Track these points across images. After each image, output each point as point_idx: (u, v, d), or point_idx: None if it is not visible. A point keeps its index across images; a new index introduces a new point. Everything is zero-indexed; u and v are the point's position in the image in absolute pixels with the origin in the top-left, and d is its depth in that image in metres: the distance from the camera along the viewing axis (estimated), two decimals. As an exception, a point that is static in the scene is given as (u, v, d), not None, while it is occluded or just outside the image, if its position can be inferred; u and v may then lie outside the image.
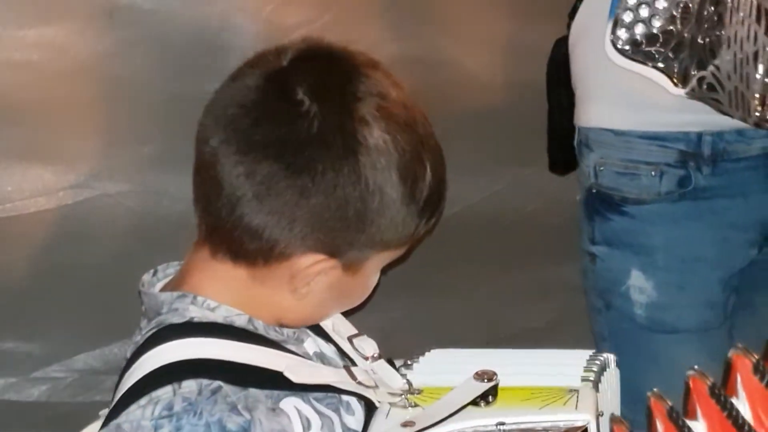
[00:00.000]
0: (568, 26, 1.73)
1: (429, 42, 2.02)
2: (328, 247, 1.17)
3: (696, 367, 0.87)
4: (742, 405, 0.83)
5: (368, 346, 1.30)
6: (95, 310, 1.82)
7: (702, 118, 1.61)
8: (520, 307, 2.15)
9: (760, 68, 1.49)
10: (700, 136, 1.65)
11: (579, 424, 1.09)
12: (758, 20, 1.48)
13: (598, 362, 1.22)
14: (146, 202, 1.82)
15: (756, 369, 0.83)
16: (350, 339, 1.31)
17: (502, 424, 1.08)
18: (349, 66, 1.20)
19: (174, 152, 1.76)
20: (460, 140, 1.93)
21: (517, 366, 1.17)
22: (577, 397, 1.13)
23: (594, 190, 1.73)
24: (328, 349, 1.30)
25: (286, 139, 1.14)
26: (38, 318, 1.81)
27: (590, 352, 1.27)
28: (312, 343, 1.27)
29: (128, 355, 1.19)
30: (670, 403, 0.88)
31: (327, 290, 1.22)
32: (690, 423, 0.84)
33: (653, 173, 1.66)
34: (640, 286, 1.70)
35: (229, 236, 1.18)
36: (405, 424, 1.09)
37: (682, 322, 1.71)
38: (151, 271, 1.28)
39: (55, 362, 1.83)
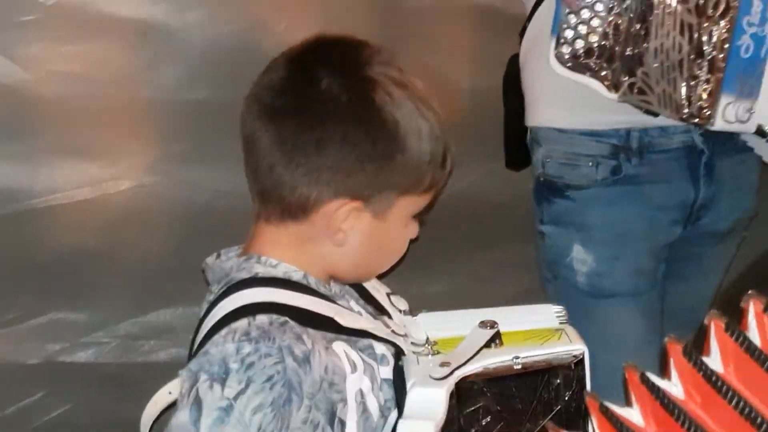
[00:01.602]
0: (520, 44, 1.77)
1: (414, 53, 2.02)
2: (351, 190, 1.19)
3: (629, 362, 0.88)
4: (674, 387, 0.85)
5: (401, 302, 1.34)
6: (134, 284, 1.87)
7: (631, 118, 1.64)
8: (497, 281, 2.18)
9: (685, 73, 1.49)
10: (628, 132, 1.68)
11: (576, 352, 1.19)
12: (682, 33, 1.49)
13: (561, 310, 1.31)
14: (176, 191, 1.85)
15: (685, 352, 0.85)
16: (388, 295, 1.35)
17: (517, 357, 1.16)
18: (357, 43, 1.25)
19: (200, 149, 1.82)
20: None
21: (503, 319, 1.24)
22: (566, 333, 1.23)
23: (542, 179, 1.76)
24: (365, 312, 1.31)
25: (301, 102, 1.19)
26: (85, 291, 1.84)
27: (555, 307, 1.34)
28: (354, 304, 1.30)
29: (201, 313, 1.22)
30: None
31: (363, 237, 1.23)
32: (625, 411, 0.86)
33: (590, 163, 1.70)
34: (581, 258, 1.73)
35: (274, 198, 1.22)
36: (443, 364, 1.14)
37: (618, 287, 1.74)
38: (214, 254, 1.29)
39: (101, 329, 1.86)
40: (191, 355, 1.18)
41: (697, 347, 0.87)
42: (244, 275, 1.22)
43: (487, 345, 1.18)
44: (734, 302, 0.97)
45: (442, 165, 1.25)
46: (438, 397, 1.12)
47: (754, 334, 0.86)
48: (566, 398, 1.17)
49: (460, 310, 1.34)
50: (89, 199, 1.80)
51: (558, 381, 1.17)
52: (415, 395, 1.14)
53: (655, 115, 1.61)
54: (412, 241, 1.32)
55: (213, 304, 1.19)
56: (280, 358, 1.11)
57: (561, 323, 1.27)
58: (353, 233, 1.23)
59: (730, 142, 1.68)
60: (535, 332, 1.24)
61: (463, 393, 1.13)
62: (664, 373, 0.87)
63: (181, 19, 1.78)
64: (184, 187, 1.85)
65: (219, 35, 1.81)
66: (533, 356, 1.18)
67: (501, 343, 1.20)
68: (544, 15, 1.68)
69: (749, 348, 0.83)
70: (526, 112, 1.78)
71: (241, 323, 1.13)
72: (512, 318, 1.26)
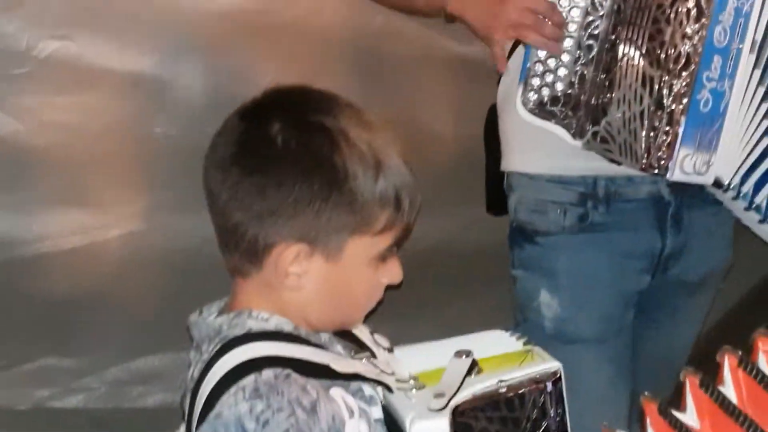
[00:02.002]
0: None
1: (399, 103, 2.10)
2: (294, 233, 1.19)
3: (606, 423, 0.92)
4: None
5: (384, 340, 1.33)
6: (123, 330, 1.88)
7: (597, 165, 1.65)
8: (479, 325, 2.00)
9: (646, 124, 1.50)
10: (595, 180, 1.69)
11: (554, 369, 1.22)
12: (644, 85, 1.50)
13: (518, 334, 1.33)
14: (164, 239, 1.87)
15: (660, 410, 0.88)
16: (371, 333, 1.33)
17: (502, 381, 1.18)
18: (310, 91, 1.27)
19: (188, 198, 1.77)
20: (427, 187, 2.01)
21: (471, 347, 1.24)
22: (536, 353, 1.26)
23: (514, 224, 1.77)
24: (352, 354, 1.30)
25: (248, 149, 1.21)
26: (74, 337, 1.85)
27: (505, 330, 1.35)
28: (341, 348, 1.28)
29: (195, 374, 1.21)
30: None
31: (320, 281, 1.23)
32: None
33: (558, 210, 1.70)
34: (548, 303, 1.73)
35: (232, 246, 1.23)
36: (437, 396, 1.15)
37: (583, 333, 1.73)
38: (197, 311, 1.29)
39: (90, 375, 1.87)
40: (190, 415, 1.18)
41: (673, 402, 0.88)
42: (238, 331, 1.21)
43: (468, 373, 1.20)
44: (710, 355, 1.01)
45: (397, 206, 1.23)
46: (443, 426, 1.14)
47: (729, 389, 0.88)
48: (552, 414, 1.20)
49: (426, 343, 1.33)
50: (79, 246, 1.82)
51: (543, 398, 1.20)
52: (419, 428, 1.15)
53: (618, 163, 1.62)
54: (394, 287, 1.31)
55: (210, 363, 1.19)
56: (291, 411, 1.11)
57: (525, 344, 1.29)
58: (308, 278, 1.23)
59: (699, 194, 1.69)
60: (508, 356, 1.26)
61: (457, 421, 1.15)
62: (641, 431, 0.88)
63: (172, 71, 1.82)
64: (173, 235, 1.88)
65: (207, 86, 1.85)
66: (516, 378, 1.20)
67: (481, 370, 1.21)
68: (516, 65, 1.70)
69: (724, 404, 0.86)
70: (502, 158, 1.80)
71: (248, 380, 1.13)
72: (478, 345, 1.27)
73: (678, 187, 1.67)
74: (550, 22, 1.58)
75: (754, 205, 1.56)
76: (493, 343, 1.29)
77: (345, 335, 1.33)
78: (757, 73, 1.49)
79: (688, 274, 1.79)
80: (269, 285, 1.24)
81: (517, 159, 1.75)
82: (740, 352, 0.96)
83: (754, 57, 1.48)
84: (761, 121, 1.52)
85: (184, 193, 1.83)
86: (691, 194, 1.69)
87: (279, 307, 1.24)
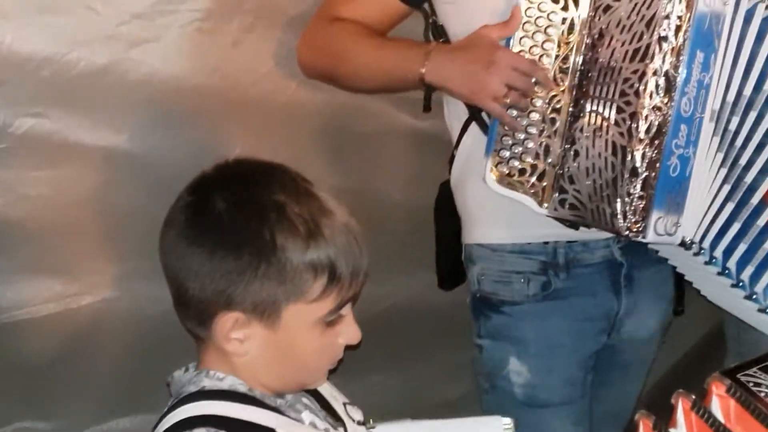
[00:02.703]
0: (449, 171, 1.82)
1: (359, 174, 2.16)
2: (229, 301, 1.23)
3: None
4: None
5: (356, 413, 1.37)
6: (96, 393, 1.88)
7: (557, 231, 1.70)
8: (438, 386, 2.23)
9: (620, 191, 1.53)
10: (555, 249, 1.73)
11: None
12: (614, 154, 1.53)
13: (511, 425, 1.39)
14: (136, 305, 1.88)
15: None
16: (345, 405, 1.37)
17: None
18: (257, 165, 1.32)
19: (157, 266, 1.68)
20: (389, 252, 2.10)
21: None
22: None
23: (478, 295, 1.80)
24: (322, 424, 1.32)
25: (191, 221, 1.26)
26: (49, 401, 1.85)
27: (504, 419, 1.41)
28: (308, 415, 1.31)
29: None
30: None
31: (263, 347, 1.25)
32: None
33: (522, 280, 1.75)
34: (517, 370, 1.76)
35: (186, 314, 1.28)
36: None
37: (552, 397, 1.78)
38: (183, 368, 1.33)
39: None
40: None
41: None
42: (192, 389, 1.26)
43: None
44: (658, 403, 1.06)
45: (332, 275, 1.25)
46: None
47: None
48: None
49: (415, 422, 1.37)
50: (53, 313, 1.82)
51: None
52: None
53: (576, 227, 1.66)
54: (354, 346, 1.34)
55: (161, 419, 1.23)
56: None
57: None
58: (251, 343, 1.26)
59: (645, 254, 1.74)
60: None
61: None
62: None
63: (142, 145, 1.85)
64: (144, 302, 1.88)
65: (177, 160, 1.86)
66: None
67: None
68: (471, 141, 1.75)
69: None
70: (462, 231, 1.82)
71: None
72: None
73: (628, 249, 1.75)
74: (532, 89, 1.59)
75: (726, 271, 1.60)
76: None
77: (321, 404, 1.36)
78: (716, 140, 1.56)
79: (639, 331, 1.84)
80: (219, 349, 1.28)
81: (479, 232, 1.79)
82: (693, 396, 0.99)
83: (713, 125, 1.55)
84: (721, 185, 1.57)
85: (154, 261, 1.75)
86: (639, 254, 1.75)
87: (232, 369, 1.28)
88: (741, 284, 1.58)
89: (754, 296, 1.59)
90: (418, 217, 2.10)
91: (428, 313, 2.20)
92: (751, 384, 1.04)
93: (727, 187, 1.57)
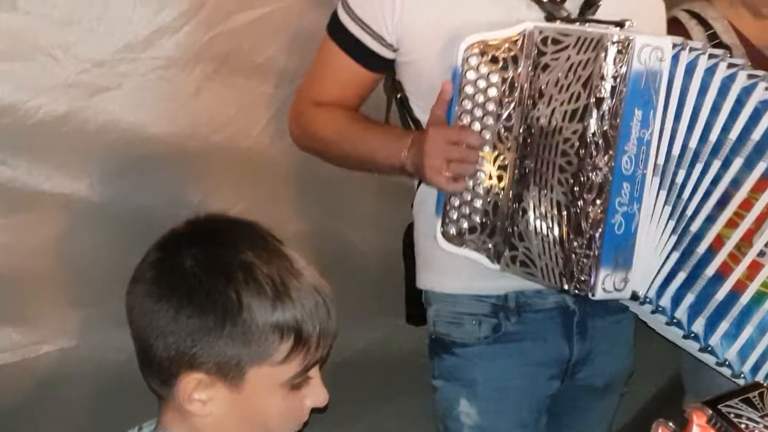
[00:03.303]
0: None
1: (327, 220, 2.16)
2: (193, 362, 1.21)
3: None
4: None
5: None
6: None
7: (512, 283, 1.72)
8: (406, 428, 2.22)
9: (566, 249, 1.54)
10: (506, 294, 1.74)
11: None
12: (560, 213, 1.54)
13: None
14: (94, 354, 1.86)
15: None
16: None
17: None
18: (226, 223, 1.30)
19: (116, 315, 1.67)
20: (350, 298, 1.98)
21: None
22: None
23: (433, 336, 1.81)
24: None
25: (159, 278, 1.24)
26: None
27: None
28: None
29: None
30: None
31: (226, 409, 1.23)
32: None
33: (474, 322, 1.76)
34: (467, 412, 1.77)
35: (149, 371, 1.26)
36: None
37: None
38: (136, 427, 1.31)
39: None
40: None
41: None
42: None
43: None
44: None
45: (299, 337, 1.23)
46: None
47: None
48: None
49: None
50: (10, 363, 1.80)
51: None
52: None
53: (524, 277, 1.66)
54: (320, 410, 1.32)
55: None
56: None
57: None
58: (214, 404, 1.24)
59: (601, 303, 1.74)
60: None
61: None
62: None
63: (102, 193, 1.84)
64: (103, 351, 1.86)
65: (137, 208, 1.86)
66: None
67: None
68: (424, 192, 1.77)
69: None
70: (417, 274, 1.84)
71: None
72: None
73: (581, 297, 1.71)
74: (470, 156, 1.61)
75: (675, 321, 1.60)
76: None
77: None
78: (663, 193, 1.56)
79: (594, 379, 1.84)
80: (179, 407, 1.25)
81: (432, 279, 1.80)
82: (673, 426, 1.01)
83: (658, 179, 1.55)
84: (669, 236, 1.58)
85: (113, 310, 1.73)
86: (593, 303, 1.74)
87: (194, 429, 1.26)
88: (693, 335, 1.58)
89: (709, 349, 1.58)
90: (384, 262, 2.10)
91: (391, 360, 2.20)
92: (732, 415, 1.05)
93: (674, 238, 1.57)
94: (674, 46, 1.51)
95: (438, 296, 1.80)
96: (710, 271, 1.56)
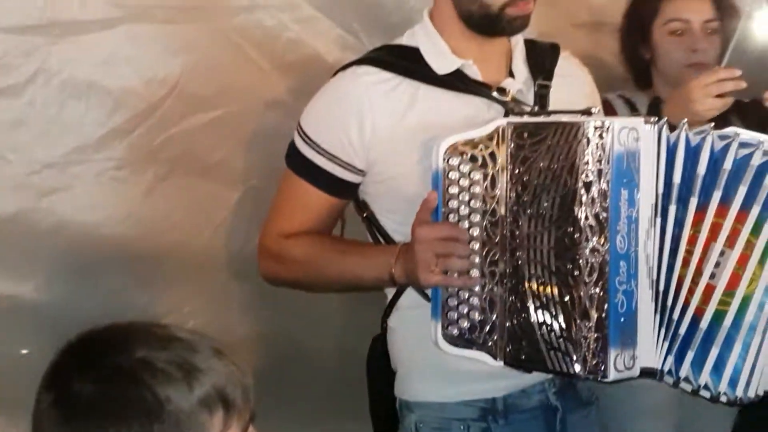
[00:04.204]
0: (382, 324, 1.81)
1: (276, 323, 2.12)
2: None
3: None
4: None
5: None
6: None
7: (502, 383, 1.71)
8: None
9: (574, 336, 1.53)
10: (494, 396, 1.73)
11: None
12: (562, 299, 1.53)
13: None
14: None
15: None
16: None
17: None
18: (99, 334, 1.22)
19: None
20: (305, 402, 2.08)
21: None
22: None
23: None
24: None
25: (61, 417, 1.16)
26: None
27: None
28: None
29: None
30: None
31: None
32: None
33: (462, 427, 1.73)
34: None
35: None
36: None
37: None
38: None
39: None
40: None
41: None
42: None
43: None
44: None
45: (226, 404, 1.19)
46: None
47: None
48: None
49: None
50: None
51: None
52: None
53: (529, 371, 1.65)
54: None
55: None
56: None
57: None
58: None
59: (576, 397, 1.76)
60: None
61: None
62: None
63: (50, 296, 1.82)
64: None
65: (87, 310, 1.83)
66: None
67: None
68: (407, 301, 1.76)
69: None
70: (397, 383, 1.81)
71: None
72: None
73: (561, 392, 1.77)
74: (458, 249, 1.61)
75: (702, 386, 1.59)
76: None
77: None
78: (646, 267, 1.57)
79: None
80: None
81: (417, 387, 1.78)
82: None
83: (645, 254, 1.57)
84: (652, 304, 1.58)
85: None
86: (571, 397, 1.77)
87: None
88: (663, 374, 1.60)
89: (682, 380, 1.60)
90: (341, 365, 2.09)
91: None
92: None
93: (653, 304, 1.59)
94: (646, 123, 1.57)
95: (422, 404, 1.77)
96: (676, 314, 1.58)
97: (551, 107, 1.77)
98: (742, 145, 1.56)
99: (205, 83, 1.96)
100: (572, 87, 1.84)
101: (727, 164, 1.56)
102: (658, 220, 1.57)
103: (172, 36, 1.92)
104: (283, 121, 1.97)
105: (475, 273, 1.63)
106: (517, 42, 1.80)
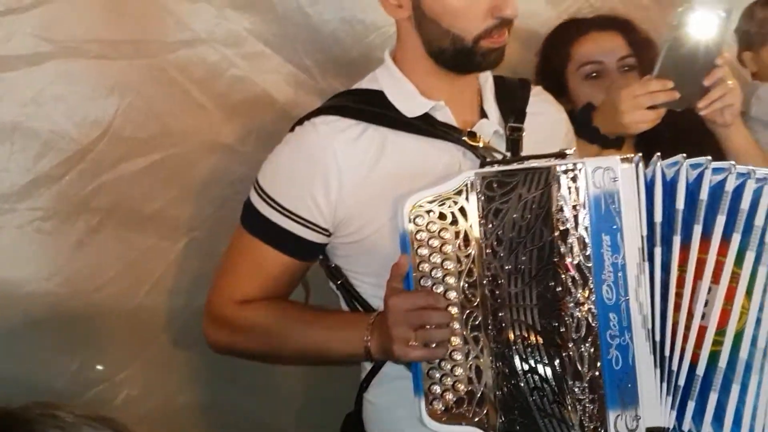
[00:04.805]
0: (358, 399, 1.73)
1: (220, 389, 2.01)
2: None
3: None
4: None
5: None
6: None
7: None
8: None
9: (568, 399, 1.48)
10: None
11: None
12: (551, 361, 1.48)
13: None
14: None
15: None
16: None
17: None
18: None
19: None
20: None
21: None
22: None
23: None
24: None
25: None
26: None
27: None
28: None
29: None
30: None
31: None
32: None
33: None
34: None
35: None
36: None
37: None
38: None
39: None
40: None
41: None
42: None
43: None
44: None
45: None
46: None
47: None
48: None
49: None
50: None
51: None
52: None
53: None
54: None
55: None
56: None
57: None
58: None
59: None
60: None
61: None
62: None
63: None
64: None
65: (11, 376, 1.72)
66: None
67: None
68: (388, 376, 1.67)
69: None
70: None
71: None
72: None
73: None
74: (435, 318, 1.52)
75: None
76: None
77: None
78: (640, 318, 1.51)
79: None
80: None
81: None
82: None
83: (638, 305, 1.50)
84: (669, 365, 1.52)
85: None
86: None
87: None
88: None
89: None
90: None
91: None
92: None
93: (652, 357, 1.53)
94: (622, 161, 1.51)
95: None
96: (674, 364, 1.52)
97: (525, 150, 1.69)
98: (715, 171, 1.51)
99: (142, 125, 1.86)
100: (545, 126, 1.77)
101: (703, 194, 1.51)
102: (646, 264, 1.50)
103: (106, 73, 1.82)
104: (228, 166, 1.90)
105: (457, 341, 1.54)
106: (487, 79, 1.73)
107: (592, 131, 1.91)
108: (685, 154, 1.54)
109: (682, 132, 1.93)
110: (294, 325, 1.65)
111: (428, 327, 1.51)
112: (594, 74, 2.09)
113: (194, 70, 1.90)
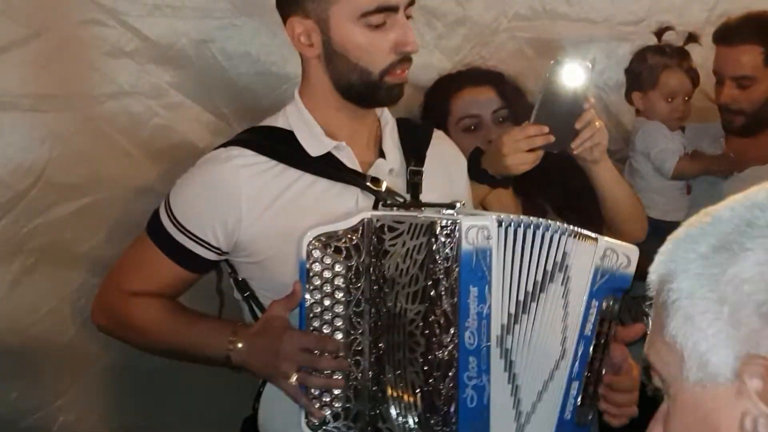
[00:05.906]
0: (254, 406, 1.77)
1: (151, 415, 2.04)
2: None
3: None
4: None
5: None
6: None
7: None
8: None
9: (426, 429, 1.53)
10: None
11: None
12: (413, 393, 1.53)
13: None
14: None
15: None
16: None
17: None
18: None
19: None
20: None
21: None
22: None
23: None
24: None
25: None
26: None
27: None
28: None
29: None
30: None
31: None
32: None
33: None
34: None
35: None
36: None
37: None
38: None
39: None
40: None
41: None
42: None
43: None
44: None
45: None
46: None
47: None
48: None
49: None
50: None
51: None
52: None
53: None
54: None
55: None
56: None
57: None
58: None
59: None
60: None
61: None
62: None
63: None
64: None
65: None
66: None
67: None
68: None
69: None
70: None
71: None
72: None
73: None
74: (322, 364, 1.61)
75: None
76: None
77: None
78: (502, 362, 1.58)
79: None
80: None
81: None
82: None
83: (499, 350, 1.58)
84: (511, 398, 1.59)
85: None
86: None
87: None
88: None
89: None
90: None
91: None
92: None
93: (513, 398, 1.60)
94: (499, 223, 1.57)
95: None
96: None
97: (424, 193, 1.78)
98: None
99: (72, 171, 1.92)
100: (444, 171, 1.85)
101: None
102: (525, 316, 1.59)
103: (38, 124, 1.88)
104: (153, 208, 1.88)
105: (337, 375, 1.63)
106: (387, 121, 1.81)
107: (481, 173, 1.97)
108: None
109: (559, 172, 2.04)
110: (173, 324, 1.73)
111: (310, 373, 1.61)
112: (472, 127, 2.17)
113: (120, 120, 1.97)
